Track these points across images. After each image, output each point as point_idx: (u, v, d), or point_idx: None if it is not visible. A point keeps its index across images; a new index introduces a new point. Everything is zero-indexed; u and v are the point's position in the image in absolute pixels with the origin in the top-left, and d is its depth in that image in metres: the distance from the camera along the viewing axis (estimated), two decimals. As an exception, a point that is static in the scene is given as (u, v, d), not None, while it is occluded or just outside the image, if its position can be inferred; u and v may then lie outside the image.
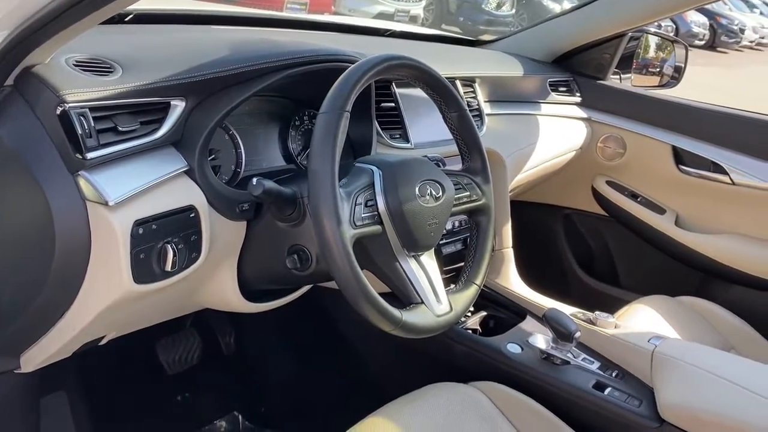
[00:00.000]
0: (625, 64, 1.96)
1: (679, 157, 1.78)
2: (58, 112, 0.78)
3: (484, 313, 1.39)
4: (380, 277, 0.92)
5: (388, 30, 1.74)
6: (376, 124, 1.20)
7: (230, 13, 1.47)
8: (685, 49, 2.01)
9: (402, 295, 0.91)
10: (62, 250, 0.81)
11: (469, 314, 1.37)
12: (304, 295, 1.20)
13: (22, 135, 0.79)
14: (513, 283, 1.45)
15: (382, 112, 1.25)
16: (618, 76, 1.98)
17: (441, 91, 1.01)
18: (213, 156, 1.01)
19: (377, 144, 1.20)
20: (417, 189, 0.91)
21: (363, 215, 0.86)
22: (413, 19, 9.17)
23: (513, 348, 1.24)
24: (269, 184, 0.86)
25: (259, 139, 1.12)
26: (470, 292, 1.00)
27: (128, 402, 1.45)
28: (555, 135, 1.75)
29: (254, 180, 0.86)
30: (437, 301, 0.93)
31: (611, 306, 1.53)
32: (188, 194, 0.90)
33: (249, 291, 1.06)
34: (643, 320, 1.41)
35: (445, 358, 1.29)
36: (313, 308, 1.35)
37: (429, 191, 0.92)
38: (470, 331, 1.33)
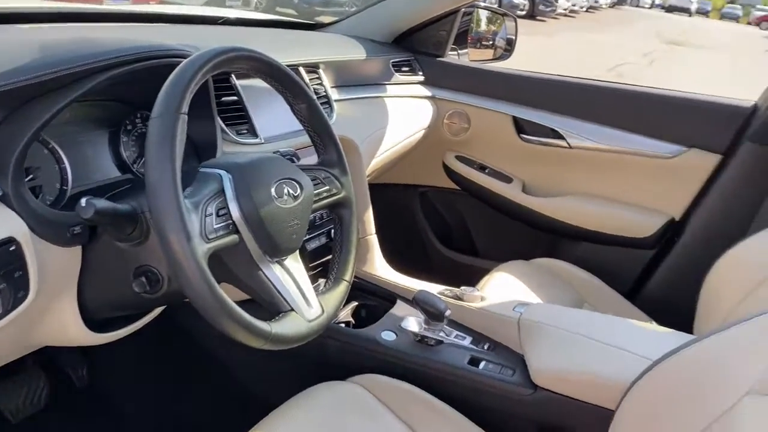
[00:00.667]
0: (462, 39, 2.01)
1: (520, 126, 1.86)
2: None
3: (354, 304, 1.36)
4: (243, 289, 0.86)
5: (221, 18, 1.64)
6: (219, 120, 1.11)
7: (39, 9, 1.30)
8: (515, 21, 2.09)
9: (269, 305, 0.85)
10: None
11: (340, 307, 1.34)
12: (160, 313, 1.09)
13: None
14: (379, 269, 1.44)
15: (225, 107, 1.16)
16: (456, 52, 2.02)
17: (285, 82, 0.95)
18: (31, 176, 0.88)
19: (223, 142, 1.11)
20: (273, 190, 0.85)
21: (216, 226, 0.78)
22: (246, 3, 8.93)
23: (387, 336, 1.23)
24: (101, 203, 0.76)
25: (87, 150, 0.99)
26: (340, 290, 0.97)
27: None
28: (403, 115, 1.76)
29: (83, 201, 0.75)
30: (307, 305, 0.88)
31: (474, 276, 1.57)
32: (5, 225, 0.77)
33: (94, 321, 0.94)
34: (505, 288, 1.46)
35: (321, 357, 1.25)
36: (172, 326, 1.25)
37: (286, 191, 0.87)
38: (342, 325, 1.30)
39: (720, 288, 1.49)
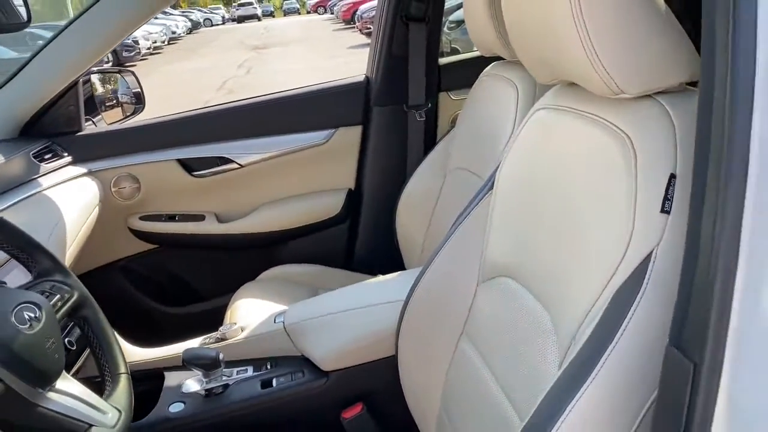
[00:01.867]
0: (91, 107, 1.95)
1: (187, 166, 1.91)
2: None
3: (123, 399, 1.29)
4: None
5: None
6: None
7: None
8: (133, 74, 2.10)
9: (67, 435, 0.79)
10: None
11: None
12: None
13: None
14: (129, 354, 1.38)
15: None
16: (91, 122, 1.96)
17: None
18: None
19: None
20: (14, 320, 0.78)
21: None
22: None
23: (176, 408, 1.21)
24: None
25: None
26: (124, 385, 0.94)
27: None
28: (70, 203, 1.65)
29: None
30: (102, 413, 0.85)
31: (216, 318, 1.60)
32: None
33: None
34: (253, 310, 1.53)
35: None
36: None
37: (26, 316, 0.81)
38: (124, 424, 1.22)
39: (408, 227, 1.79)
